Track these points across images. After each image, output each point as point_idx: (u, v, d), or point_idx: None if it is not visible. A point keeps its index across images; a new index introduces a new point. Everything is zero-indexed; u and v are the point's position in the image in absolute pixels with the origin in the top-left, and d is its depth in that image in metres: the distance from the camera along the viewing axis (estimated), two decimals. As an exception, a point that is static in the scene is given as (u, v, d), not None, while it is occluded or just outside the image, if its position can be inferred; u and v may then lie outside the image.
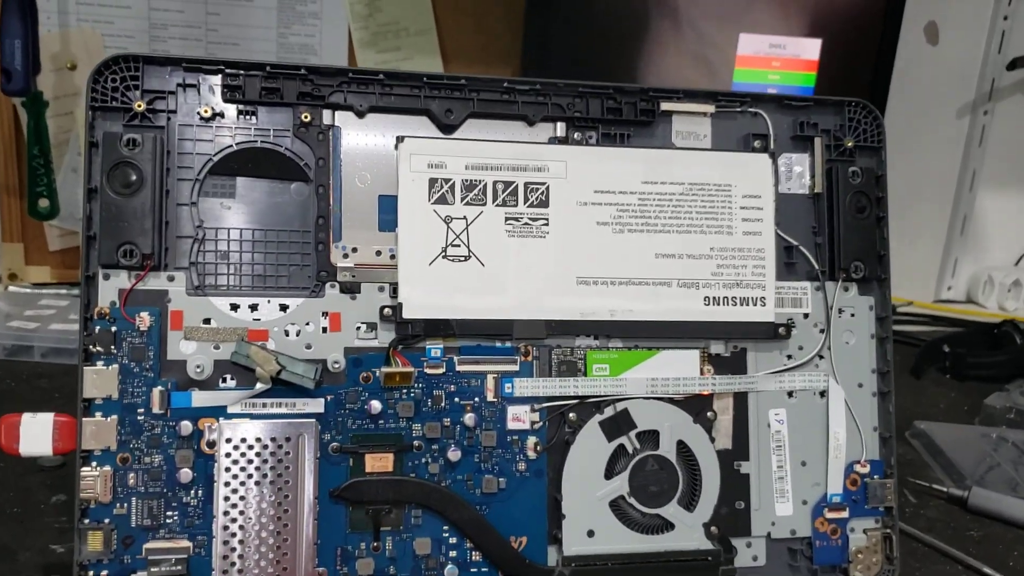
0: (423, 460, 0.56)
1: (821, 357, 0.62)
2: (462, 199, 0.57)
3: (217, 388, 0.54)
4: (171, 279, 0.54)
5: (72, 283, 1.21)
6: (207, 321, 0.55)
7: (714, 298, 0.60)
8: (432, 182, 0.57)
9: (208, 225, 0.55)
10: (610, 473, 0.58)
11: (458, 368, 0.57)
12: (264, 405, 0.55)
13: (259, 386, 0.54)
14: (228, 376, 0.54)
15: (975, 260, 1.54)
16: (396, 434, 0.56)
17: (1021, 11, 1.37)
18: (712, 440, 0.60)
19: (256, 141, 0.56)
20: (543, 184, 0.58)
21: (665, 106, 0.61)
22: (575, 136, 0.60)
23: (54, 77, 1.14)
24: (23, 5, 0.92)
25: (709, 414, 0.60)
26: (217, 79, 0.56)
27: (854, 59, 1.22)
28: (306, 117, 0.56)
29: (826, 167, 0.63)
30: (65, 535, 0.64)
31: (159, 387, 0.53)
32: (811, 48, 1.19)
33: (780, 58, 1.18)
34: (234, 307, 0.55)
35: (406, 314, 0.56)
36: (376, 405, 0.56)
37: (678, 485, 0.59)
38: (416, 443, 0.56)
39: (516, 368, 0.58)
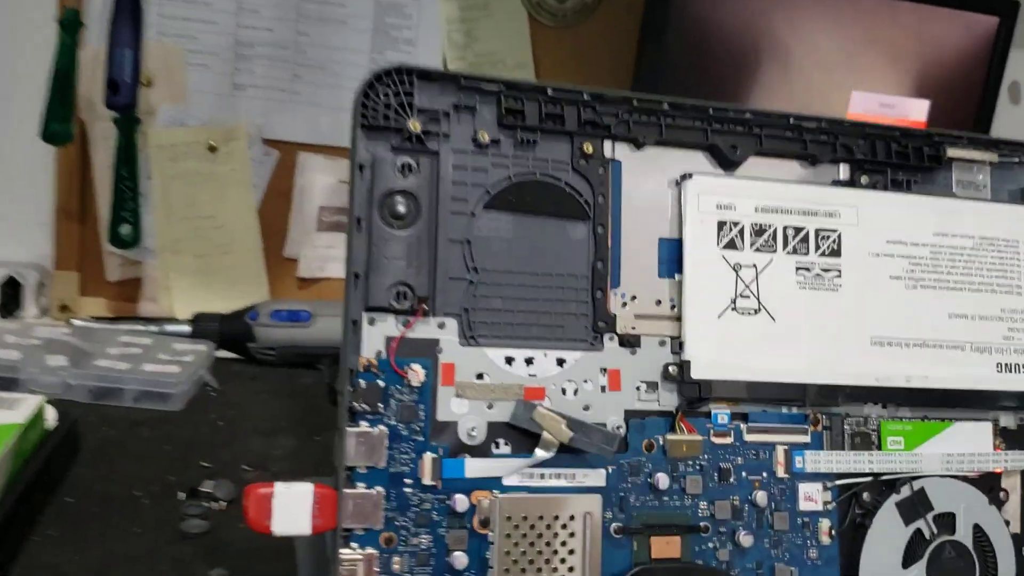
0: (711, 544, 0.49)
1: (1102, 432, 0.57)
2: (751, 245, 0.51)
3: (491, 455, 0.47)
4: (441, 326, 0.47)
5: (130, 317, 1.11)
6: (480, 376, 0.47)
7: (1007, 365, 0.54)
8: (720, 225, 0.51)
9: (482, 267, 0.48)
10: (906, 561, 0.52)
11: (746, 438, 0.50)
12: (542, 476, 0.47)
13: (539, 453, 0.46)
14: (501, 440, 0.47)
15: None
16: (683, 513, 0.49)
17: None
18: (1007, 524, 0.54)
19: (535, 173, 0.49)
20: (835, 231, 0.52)
21: (951, 152, 0.56)
22: (861, 180, 0.54)
23: (128, 94, 1.05)
24: (135, 13, 0.84)
25: (1001, 494, 0.54)
26: (493, 101, 0.49)
27: (957, 120, 1.20)
28: (588, 148, 0.50)
29: (1104, 225, 0.58)
30: (240, 615, 0.55)
31: (430, 453, 0.45)
32: (919, 109, 1.16)
33: (890, 118, 1.15)
34: (509, 360, 0.47)
35: (694, 374, 0.49)
36: (663, 479, 0.48)
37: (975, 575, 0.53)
38: (703, 524, 0.49)
39: (807, 439, 0.51)
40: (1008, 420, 0.55)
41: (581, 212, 0.50)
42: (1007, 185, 0.58)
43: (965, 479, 0.54)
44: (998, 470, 0.54)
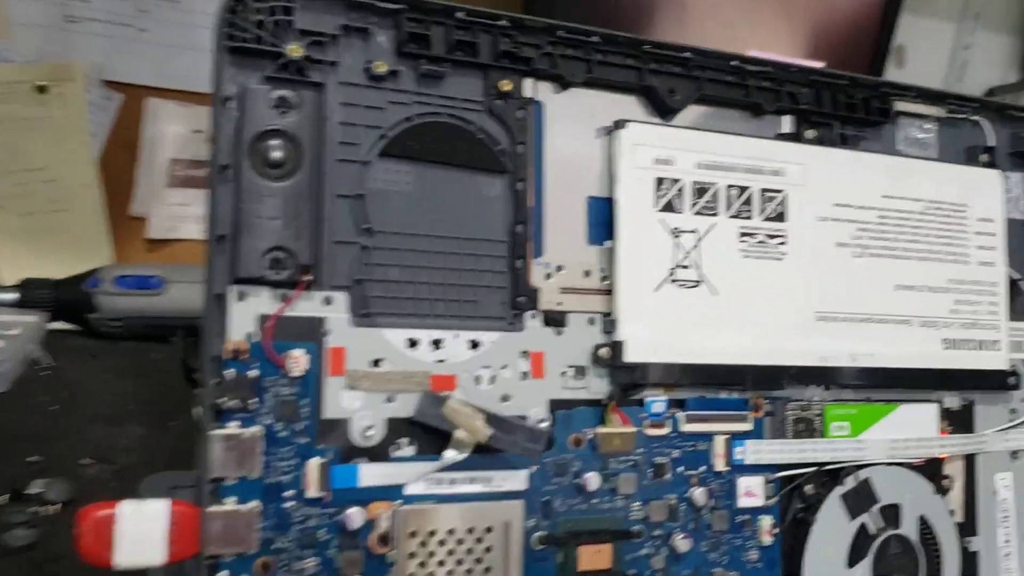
0: (644, 551, 0.42)
1: (1041, 410, 0.53)
2: (692, 206, 0.44)
3: (390, 458, 0.38)
4: (328, 302, 0.38)
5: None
6: (376, 363, 0.38)
7: (952, 341, 0.50)
8: (658, 183, 0.43)
9: (377, 228, 0.39)
10: (852, 559, 0.47)
11: (683, 428, 0.44)
12: (452, 482, 0.39)
13: (450, 455, 0.38)
14: (403, 440, 0.39)
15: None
16: (614, 516, 0.42)
17: (980, 41, 1.37)
18: (951, 513, 0.50)
19: (441, 114, 0.40)
20: (780, 192, 0.46)
21: (899, 106, 0.50)
22: (807, 134, 0.48)
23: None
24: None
25: (945, 481, 0.50)
26: (391, 24, 0.40)
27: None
28: (505, 86, 0.41)
29: (1046, 189, 0.54)
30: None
31: (317, 458, 0.37)
32: (815, 67, 1.13)
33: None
34: (412, 343, 0.39)
35: (629, 356, 0.42)
36: (593, 479, 0.41)
37: (919, 572, 0.48)
38: (636, 528, 0.42)
39: (748, 427, 0.45)
40: (952, 401, 0.51)
41: (497, 163, 0.41)
42: (953, 144, 0.53)
43: (910, 466, 0.49)
44: (943, 455, 0.50)
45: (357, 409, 0.38)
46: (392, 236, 0.39)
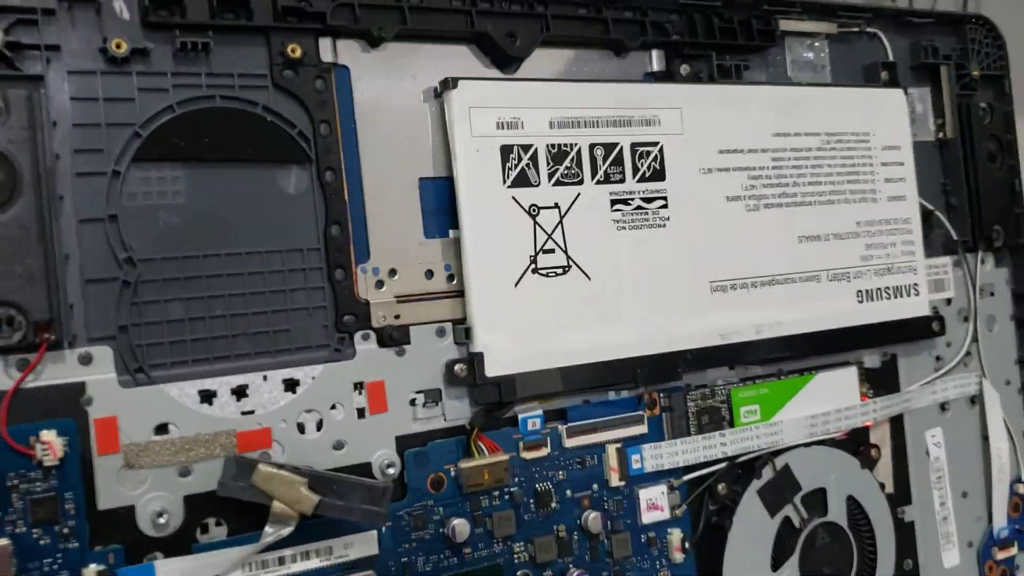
0: (529, 600, 0.36)
1: (968, 354, 0.48)
2: (550, 176, 0.36)
3: (196, 546, 0.30)
4: (86, 361, 0.29)
5: None
6: (162, 429, 0.30)
7: (867, 292, 0.43)
8: (505, 152, 0.35)
9: (142, 255, 0.30)
10: (776, 559, 0.40)
11: (567, 443, 0.36)
12: (281, 561, 0.31)
13: (271, 532, 0.30)
14: (211, 521, 0.30)
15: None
16: (492, 566, 0.35)
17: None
18: (882, 487, 0.44)
19: (213, 97, 0.31)
20: (655, 145, 0.38)
21: (785, 25, 0.43)
22: (681, 70, 0.40)
23: None
24: None
25: (873, 452, 0.44)
26: (130, -16, 0.30)
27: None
28: (294, 51, 0.32)
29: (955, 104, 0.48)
30: None
31: (96, 565, 0.29)
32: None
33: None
34: (207, 396, 0.31)
35: (491, 370, 0.34)
36: (462, 526, 0.34)
37: (853, 557, 0.42)
38: (521, 573, 0.35)
39: (643, 429, 0.38)
40: (872, 359, 0.45)
41: (295, 151, 0.33)
42: (849, 63, 0.46)
43: (832, 442, 0.43)
44: (868, 423, 0.43)
45: (143, 492, 0.29)
46: (165, 263, 0.30)
